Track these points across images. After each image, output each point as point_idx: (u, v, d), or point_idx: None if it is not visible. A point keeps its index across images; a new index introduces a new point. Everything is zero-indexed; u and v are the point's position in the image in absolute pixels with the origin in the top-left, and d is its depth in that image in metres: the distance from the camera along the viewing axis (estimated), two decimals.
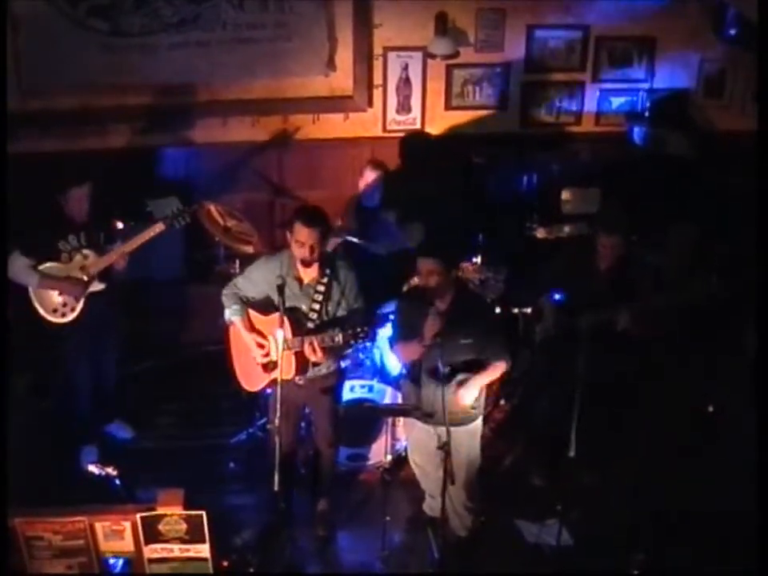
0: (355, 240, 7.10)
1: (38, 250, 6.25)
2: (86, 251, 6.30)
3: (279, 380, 5.29)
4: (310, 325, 5.58)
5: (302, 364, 5.58)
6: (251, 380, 5.91)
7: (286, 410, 5.35)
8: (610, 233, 5.96)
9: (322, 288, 5.61)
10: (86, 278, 6.30)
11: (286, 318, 5.40)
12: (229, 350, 6.00)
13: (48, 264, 6.26)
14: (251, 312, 5.73)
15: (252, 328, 5.71)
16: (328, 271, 5.62)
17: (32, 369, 6.75)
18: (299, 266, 5.53)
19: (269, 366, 5.72)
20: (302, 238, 5.40)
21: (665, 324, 6.10)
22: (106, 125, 7.79)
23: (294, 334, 5.44)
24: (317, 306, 5.61)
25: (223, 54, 7.70)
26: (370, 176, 7.30)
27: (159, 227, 6.23)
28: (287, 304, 5.49)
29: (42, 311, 6.32)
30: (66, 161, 7.05)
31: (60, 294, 6.29)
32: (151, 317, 7.66)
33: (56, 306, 6.32)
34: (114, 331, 6.73)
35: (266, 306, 5.70)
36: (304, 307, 5.59)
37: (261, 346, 5.67)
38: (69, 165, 6.66)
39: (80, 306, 6.33)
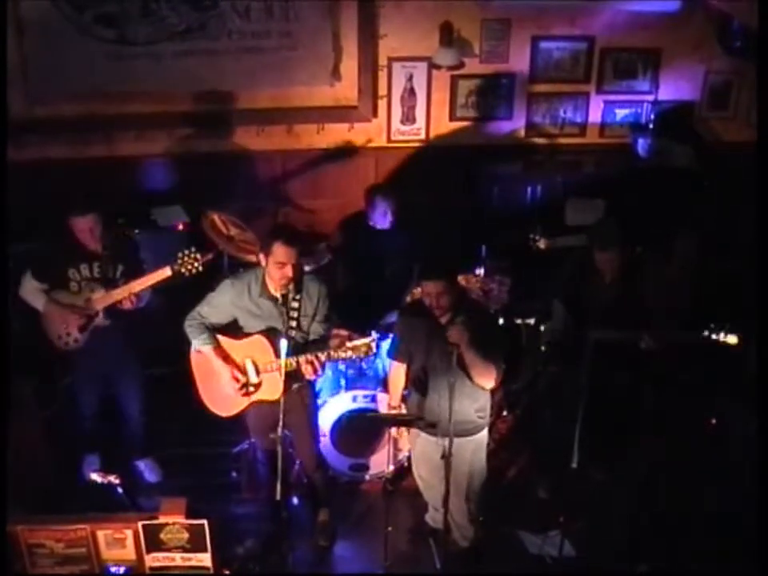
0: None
1: (47, 276, 6.18)
2: (94, 284, 6.12)
3: (282, 395, 5.20)
4: (291, 342, 5.48)
5: (287, 381, 5.40)
6: (226, 405, 5.80)
7: (264, 427, 5.39)
8: (604, 248, 6.01)
9: (296, 304, 5.56)
10: (89, 312, 6.14)
11: (266, 340, 5.43)
12: (193, 378, 5.89)
13: (58, 290, 6.17)
14: (222, 338, 5.67)
15: (226, 357, 5.64)
16: (301, 288, 5.58)
17: (37, 376, 6.73)
18: (272, 285, 5.48)
19: (248, 390, 5.68)
20: (283, 258, 5.33)
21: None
22: (112, 132, 7.82)
23: (278, 354, 5.31)
24: (293, 323, 5.56)
25: (229, 63, 7.72)
26: (378, 205, 7.30)
27: (166, 272, 5.94)
28: (260, 326, 5.52)
29: (48, 334, 6.23)
30: (70, 188, 7.02)
31: (63, 322, 6.19)
32: (152, 325, 7.65)
33: (60, 333, 6.21)
34: (127, 368, 6.56)
35: (235, 330, 5.66)
36: (281, 326, 5.54)
37: (237, 380, 5.61)
38: (73, 193, 6.60)
39: (83, 338, 6.19)
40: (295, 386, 5.64)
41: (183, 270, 5.89)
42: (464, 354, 5.21)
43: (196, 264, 5.89)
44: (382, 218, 7.23)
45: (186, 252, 5.89)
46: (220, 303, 5.64)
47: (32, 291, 6.19)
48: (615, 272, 6.03)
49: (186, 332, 5.67)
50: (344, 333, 6.05)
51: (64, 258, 6.17)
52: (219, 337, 5.67)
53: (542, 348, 6.61)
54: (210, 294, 5.71)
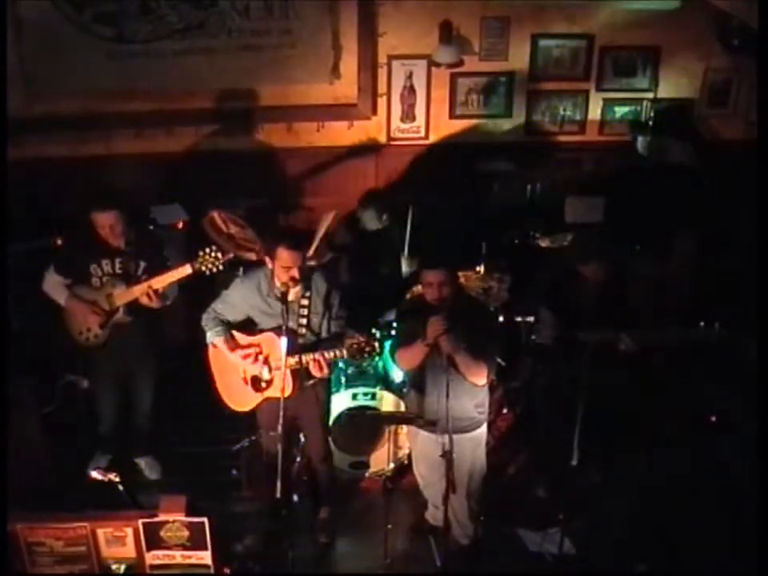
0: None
1: (70, 271, 6.18)
2: (115, 280, 6.10)
3: (282, 394, 5.25)
4: (301, 340, 5.56)
5: (298, 380, 5.54)
6: (240, 400, 5.85)
7: (274, 423, 5.36)
8: (584, 262, 6.11)
9: (306, 302, 5.59)
10: (109, 308, 6.13)
11: (277, 337, 5.40)
12: (211, 373, 5.95)
13: (80, 285, 6.17)
14: (236, 334, 5.72)
15: (237, 346, 5.68)
16: (309, 285, 5.61)
17: (36, 375, 6.73)
18: (281, 285, 5.47)
19: (260, 386, 5.71)
20: (287, 262, 5.37)
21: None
22: (111, 130, 7.81)
23: (288, 353, 5.33)
24: (304, 321, 5.59)
25: (228, 61, 7.72)
26: (361, 212, 7.31)
27: (186, 270, 5.89)
28: (273, 324, 5.53)
29: (70, 330, 6.26)
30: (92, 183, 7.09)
31: (84, 318, 6.20)
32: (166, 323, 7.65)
33: (81, 329, 6.22)
34: (145, 365, 6.55)
35: (248, 328, 5.71)
36: (292, 324, 5.53)
37: (249, 356, 5.63)
38: (94, 188, 6.64)
39: (103, 334, 6.19)
40: (310, 382, 5.66)
41: (204, 268, 5.85)
42: (454, 357, 5.25)
43: (217, 263, 5.84)
44: (373, 223, 7.25)
45: (207, 250, 5.85)
46: (233, 300, 5.70)
47: (54, 286, 6.20)
48: (599, 277, 6.07)
49: (202, 327, 5.74)
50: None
51: (86, 254, 6.17)
52: (234, 333, 5.72)
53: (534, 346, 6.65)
54: (224, 291, 5.78)
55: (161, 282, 6.00)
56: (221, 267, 5.87)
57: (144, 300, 6.03)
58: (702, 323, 5.69)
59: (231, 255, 6.11)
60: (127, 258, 6.16)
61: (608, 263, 6.10)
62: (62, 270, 6.19)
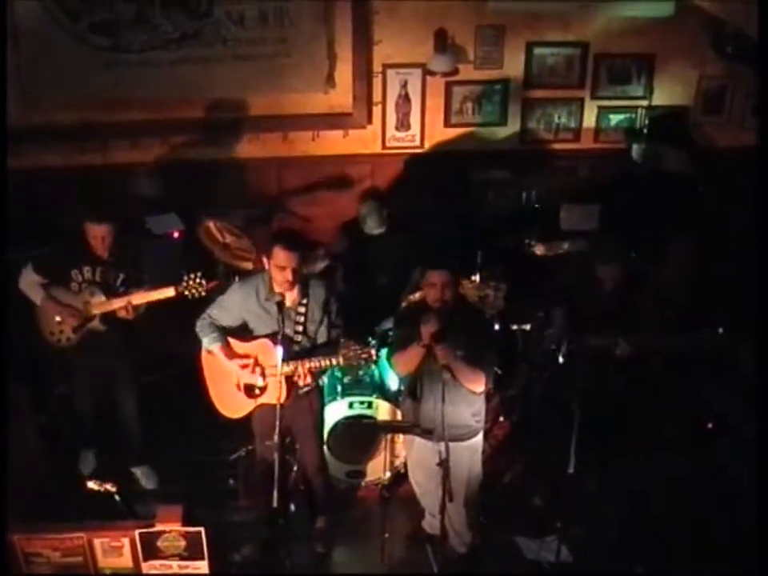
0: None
1: (48, 271, 6.22)
2: (94, 288, 6.18)
3: (278, 402, 5.27)
4: (296, 347, 5.57)
5: (291, 387, 5.55)
6: (233, 407, 5.86)
7: (269, 432, 5.36)
8: (606, 262, 6.11)
9: (303, 309, 5.61)
10: (86, 315, 6.19)
11: (272, 343, 5.41)
12: (204, 380, 5.96)
13: (58, 287, 6.22)
14: (230, 340, 5.72)
15: (234, 354, 5.69)
16: (307, 292, 5.63)
17: (34, 381, 6.73)
18: (279, 289, 5.50)
19: (254, 393, 5.71)
20: (282, 262, 5.39)
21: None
22: (107, 140, 7.80)
23: (283, 360, 5.35)
24: (300, 328, 5.61)
25: (223, 70, 7.72)
26: (364, 207, 7.32)
27: (169, 292, 5.99)
28: (268, 330, 5.54)
29: (41, 329, 6.31)
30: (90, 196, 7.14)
31: (58, 319, 6.24)
32: (149, 333, 7.63)
33: (53, 329, 6.28)
34: (122, 370, 6.57)
35: (243, 334, 5.71)
36: (288, 330, 5.54)
37: (246, 366, 5.64)
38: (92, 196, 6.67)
39: (76, 338, 6.26)
40: (304, 390, 5.67)
41: (186, 292, 5.95)
42: (451, 366, 5.24)
43: (200, 289, 5.94)
44: (374, 225, 7.25)
45: (192, 276, 5.94)
46: (229, 305, 5.72)
47: (31, 284, 6.24)
48: (616, 281, 6.09)
49: (197, 333, 5.75)
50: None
51: (68, 257, 6.23)
52: (229, 338, 5.72)
53: (543, 354, 6.63)
54: (219, 296, 5.80)
55: (141, 298, 6.11)
56: (203, 294, 5.95)
57: (121, 313, 6.12)
58: (704, 328, 5.71)
59: (215, 283, 6.14)
60: (108, 268, 6.23)
61: (626, 265, 6.12)
62: (42, 269, 6.23)
